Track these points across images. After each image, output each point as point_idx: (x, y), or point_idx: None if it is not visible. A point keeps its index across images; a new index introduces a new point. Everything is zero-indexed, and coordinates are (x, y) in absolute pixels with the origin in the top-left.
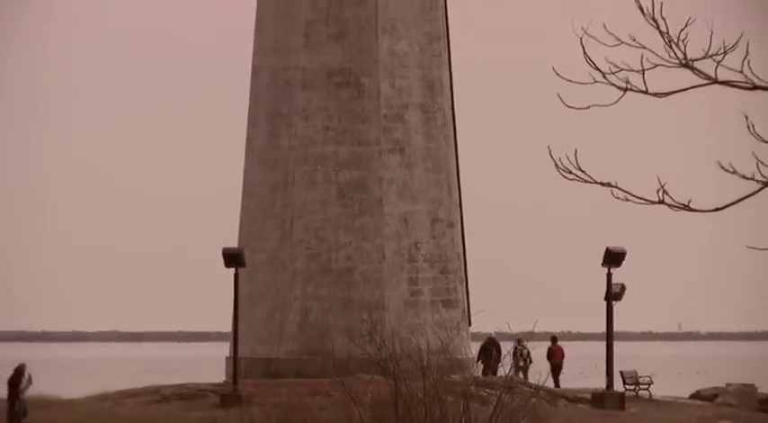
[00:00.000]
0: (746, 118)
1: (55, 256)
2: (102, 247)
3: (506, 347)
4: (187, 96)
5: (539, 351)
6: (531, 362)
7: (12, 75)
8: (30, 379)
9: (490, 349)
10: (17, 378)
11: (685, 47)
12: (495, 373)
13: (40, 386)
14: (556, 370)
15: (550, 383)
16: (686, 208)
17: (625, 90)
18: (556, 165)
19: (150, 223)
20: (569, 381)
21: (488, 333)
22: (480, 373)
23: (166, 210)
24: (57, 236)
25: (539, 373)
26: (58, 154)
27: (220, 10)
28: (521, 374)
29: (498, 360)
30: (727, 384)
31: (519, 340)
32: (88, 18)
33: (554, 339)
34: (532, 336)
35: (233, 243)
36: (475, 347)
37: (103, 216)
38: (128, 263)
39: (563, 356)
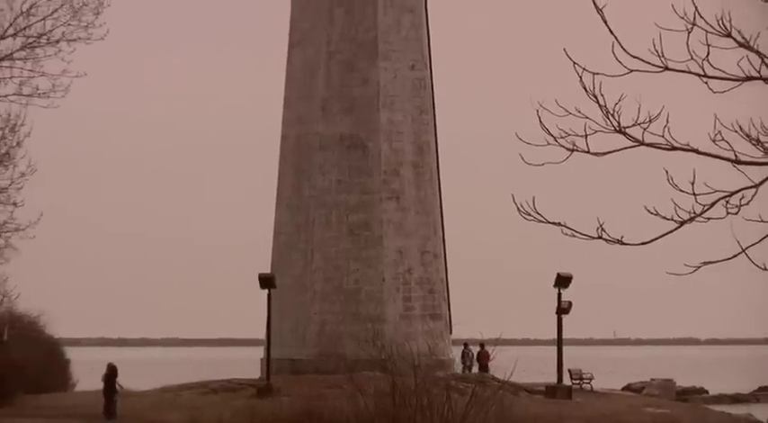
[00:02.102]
0: (666, 172)
1: (130, 280)
2: (167, 275)
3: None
4: (232, 157)
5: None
6: (475, 362)
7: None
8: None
9: (466, 352)
10: (111, 375)
11: (619, 117)
12: (470, 370)
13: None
14: (483, 369)
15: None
16: (619, 242)
17: (572, 151)
18: (518, 209)
19: (204, 257)
20: (529, 377)
21: (465, 339)
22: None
23: (217, 245)
24: (134, 265)
25: (504, 370)
26: (136, 199)
27: (257, 91)
28: (466, 371)
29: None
30: (652, 379)
31: (465, 344)
32: (143, 80)
33: (482, 345)
34: (499, 341)
35: (266, 270)
36: (455, 350)
37: (171, 252)
38: (187, 285)
39: (489, 359)
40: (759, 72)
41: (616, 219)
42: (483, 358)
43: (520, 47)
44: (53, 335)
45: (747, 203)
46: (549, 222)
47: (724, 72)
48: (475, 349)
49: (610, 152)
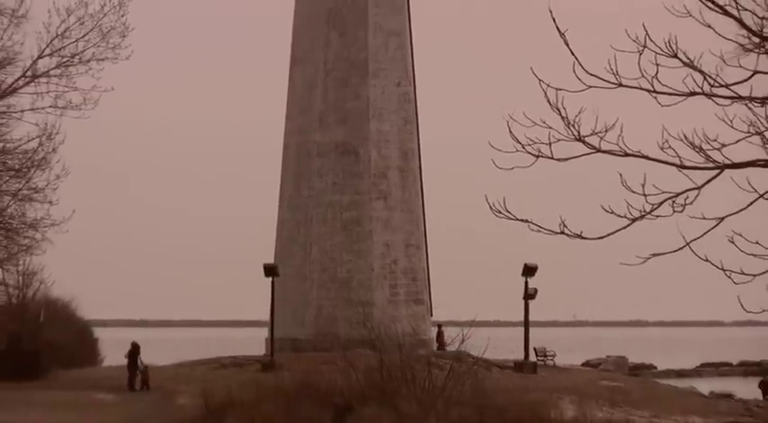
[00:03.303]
0: (620, 175)
1: (152, 270)
2: (184, 265)
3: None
4: (241, 162)
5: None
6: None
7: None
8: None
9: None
10: (134, 352)
11: (579, 127)
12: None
13: (141, 358)
14: (441, 347)
15: (487, 356)
16: (579, 237)
17: (537, 157)
18: (491, 207)
19: (216, 250)
20: (500, 355)
21: (443, 321)
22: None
23: (227, 240)
24: (155, 257)
25: (478, 348)
26: (156, 198)
27: (262, 105)
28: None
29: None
30: (607, 356)
31: (439, 325)
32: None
33: (439, 326)
34: (474, 323)
35: (270, 260)
36: (434, 331)
37: (187, 246)
38: (201, 274)
39: (443, 337)
40: (702, 88)
41: (576, 216)
42: (439, 337)
43: (493, 66)
44: (83, 317)
45: (691, 203)
46: (518, 219)
47: (671, 88)
48: (476, 330)
49: (571, 158)
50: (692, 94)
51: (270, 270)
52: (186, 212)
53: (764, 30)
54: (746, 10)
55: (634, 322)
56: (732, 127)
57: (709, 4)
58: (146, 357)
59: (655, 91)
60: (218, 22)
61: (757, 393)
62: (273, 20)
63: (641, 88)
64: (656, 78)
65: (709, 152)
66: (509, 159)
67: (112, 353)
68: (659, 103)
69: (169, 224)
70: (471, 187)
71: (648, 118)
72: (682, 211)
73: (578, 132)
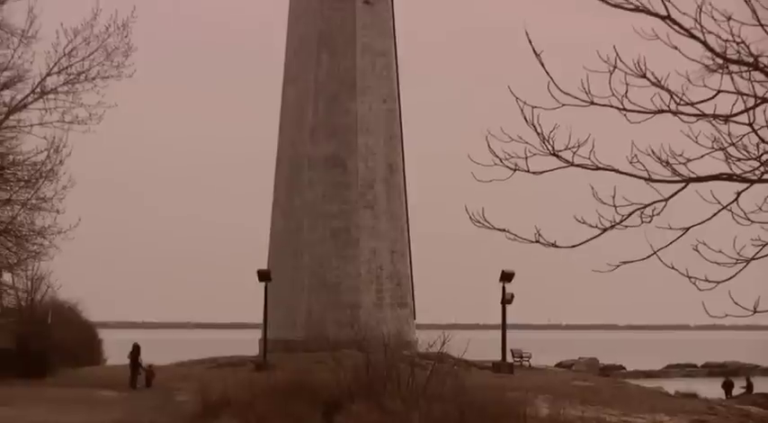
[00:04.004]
0: (592, 188)
1: (152, 275)
2: (182, 270)
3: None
4: (237, 173)
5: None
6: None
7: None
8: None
9: None
10: (135, 352)
11: (553, 142)
12: None
13: (142, 358)
14: None
15: (467, 357)
16: (553, 245)
17: (514, 170)
18: (470, 217)
19: (213, 256)
20: (478, 355)
21: (426, 324)
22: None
23: (223, 246)
24: (156, 263)
25: (458, 350)
26: (156, 207)
27: (257, 120)
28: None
29: None
30: (580, 358)
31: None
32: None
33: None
34: (454, 326)
35: (264, 266)
36: (418, 333)
37: (185, 252)
38: (198, 279)
39: None
40: (668, 106)
41: (551, 226)
42: None
43: (473, 85)
44: (88, 319)
45: (659, 214)
46: (496, 228)
47: (639, 106)
48: (458, 333)
49: (545, 171)
50: (660, 111)
51: (263, 275)
52: (184, 220)
53: (728, 52)
54: (711, 33)
55: (605, 325)
56: (697, 143)
57: (676, 27)
58: (146, 357)
59: (624, 109)
60: (217, 43)
61: (720, 393)
62: (268, 42)
63: (612, 106)
64: (626, 97)
65: (675, 166)
66: (488, 172)
67: (115, 353)
68: (629, 120)
69: (168, 231)
70: (452, 198)
71: (618, 134)
72: (650, 222)
73: (553, 147)
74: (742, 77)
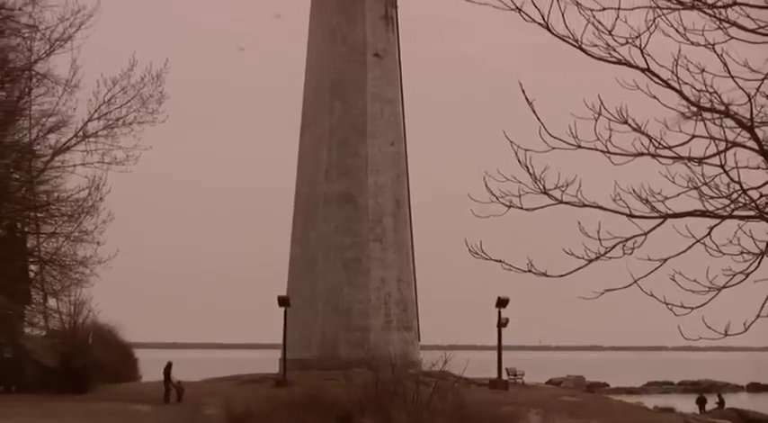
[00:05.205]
0: (579, 223)
1: (184, 299)
2: (211, 296)
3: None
4: (258, 208)
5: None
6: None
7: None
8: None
9: None
10: (168, 370)
11: (544, 182)
12: None
13: (174, 375)
14: None
15: (466, 375)
16: (544, 274)
17: (509, 207)
18: (469, 249)
19: (238, 284)
20: (477, 373)
21: (429, 345)
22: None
23: (246, 276)
24: (187, 288)
25: (458, 368)
26: (186, 239)
27: (277, 160)
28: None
29: None
30: (568, 376)
31: None
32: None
33: None
34: (455, 347)
35: (283, 293)
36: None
37: (214, 281)
38: (224, 304)
39: None
40: (648, 150)
41: (542, 257)
42: None
43: (472, 130)
44: (125, 339)
45: (639, 246)
46: (493, 259)
47: (622, 149)
48: (458, 353)
49: (537, 208)
50: (640, 154)
51: (283, 301)
52: (211, 251)
53: (701, 101)
54: (686, 84)
55: (591, 347)
56: (673, 182)
57: (655, 78)
58: (176, 375)
59: (608, 152)
60: (243, 91)
61: (695, 408)
62: (286, 90)
63: (597, 149)
64: (610, 141)
65: (654, 203)
66: (485, 208)
67: (149, 370)
68: (612, 162)
69: (196, 261)
70: (453, 232)
71: (603, 174)
72: (631, 254)
73: (544, 186)
74: (714, 124)
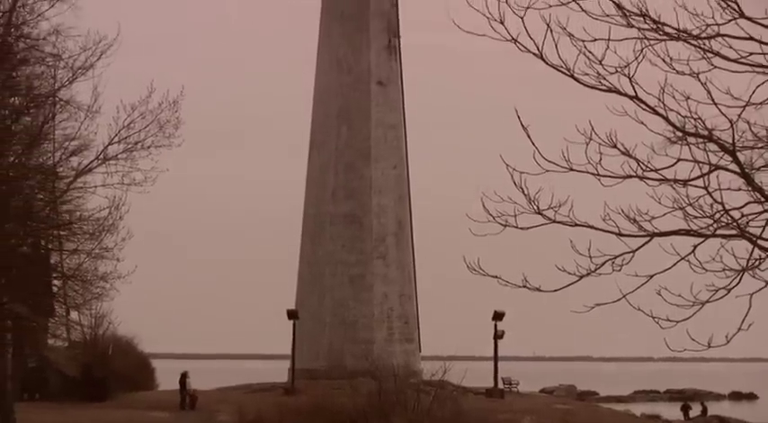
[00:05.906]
0: (571, 241)
1: (198, 313)
2: (224, 309)
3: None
4: (269, 228)
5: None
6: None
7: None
8: (189, 383)
9: None
10: (183, 379)
11: (538, 203)
12: None
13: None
14: None
15: (464, 384)
16: (537, 290)
17: (505, 226)
18: (467, 266)
19: (249, 298)
20: (474, 383)
21: (429, 356)
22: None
23: (257, 291)
24: (202, 302)
25: (457, 378)
26: (202, 255)
27: (287, 182)
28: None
29: None
30: (560, 385)
31: None
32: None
33: None
34: (453, 358)
35: (292, 306)
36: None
37: (227, 295)
38: (236, 317)
39: None
40: (636, 172)
41: (536, 273)
42: None
43: (470, 153)
44: (143, 350)
45: (627, 263)
46: (489, 275)
47: (611, 172)
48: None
49: (531, 227)
50: (628, 176)
51: (292, 314)
52: (223, 267)
53: (686, 126)
54: (672, 110)
55: (582, 357)
56: (660, 203)
57: (643, 105)
58: (193, 384)
59: (599, 174)
60: (253, 116)
61: (679, 415)
62: (295, 117)
63: (588, 172)
64: (600, 164)
65: (641, 223)
66: (482, 228)
67: (166, 379)
68: (602, 184)
69: (210, 277)
70: (452, 249)
71: (593, 196)
72: (620, 270)
73: (537, 207)
74: (698, 148)
